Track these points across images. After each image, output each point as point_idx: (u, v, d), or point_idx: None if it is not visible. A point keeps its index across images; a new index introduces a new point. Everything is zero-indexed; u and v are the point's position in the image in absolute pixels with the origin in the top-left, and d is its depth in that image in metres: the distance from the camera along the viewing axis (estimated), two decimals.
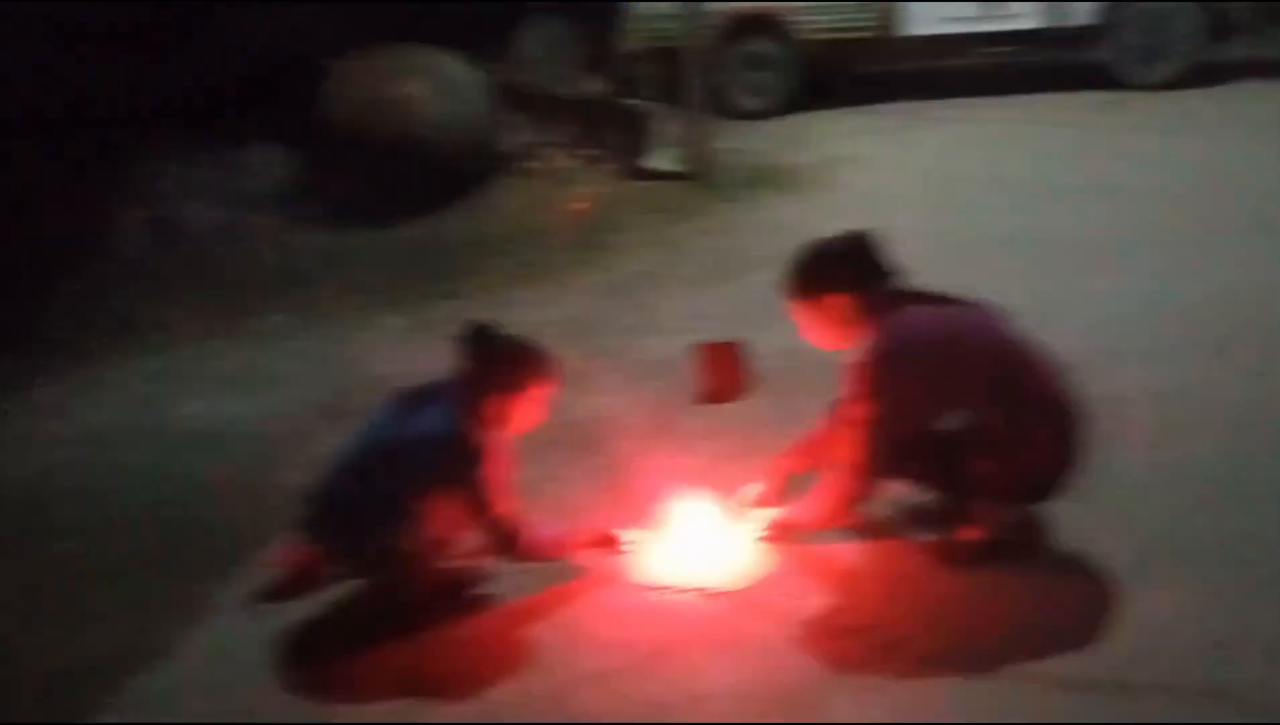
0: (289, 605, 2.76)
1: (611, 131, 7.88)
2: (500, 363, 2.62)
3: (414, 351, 4.73)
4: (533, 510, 2.75)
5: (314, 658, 2.61)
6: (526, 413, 2.66)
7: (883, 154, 7.59)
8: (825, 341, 2.59)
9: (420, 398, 2.63)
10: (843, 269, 2.50)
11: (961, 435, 2.39)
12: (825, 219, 6.22)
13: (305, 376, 4.59)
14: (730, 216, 6.53)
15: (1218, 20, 8.40)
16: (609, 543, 2.83)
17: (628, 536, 2.85)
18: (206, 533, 3.29)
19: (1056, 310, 4.26)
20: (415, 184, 6.86)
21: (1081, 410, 2.44)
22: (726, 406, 3.83)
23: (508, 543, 2.61)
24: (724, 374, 3.86)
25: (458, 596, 2.72)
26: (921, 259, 4.92)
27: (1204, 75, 8.48)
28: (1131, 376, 3.63)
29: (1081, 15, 8.74)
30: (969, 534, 2.51)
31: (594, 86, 8.14)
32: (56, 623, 2.88)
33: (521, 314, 5.11)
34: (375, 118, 6.82)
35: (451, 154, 6.96)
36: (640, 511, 3.02)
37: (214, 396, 4.46)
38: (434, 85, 6.97)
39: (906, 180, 6.87)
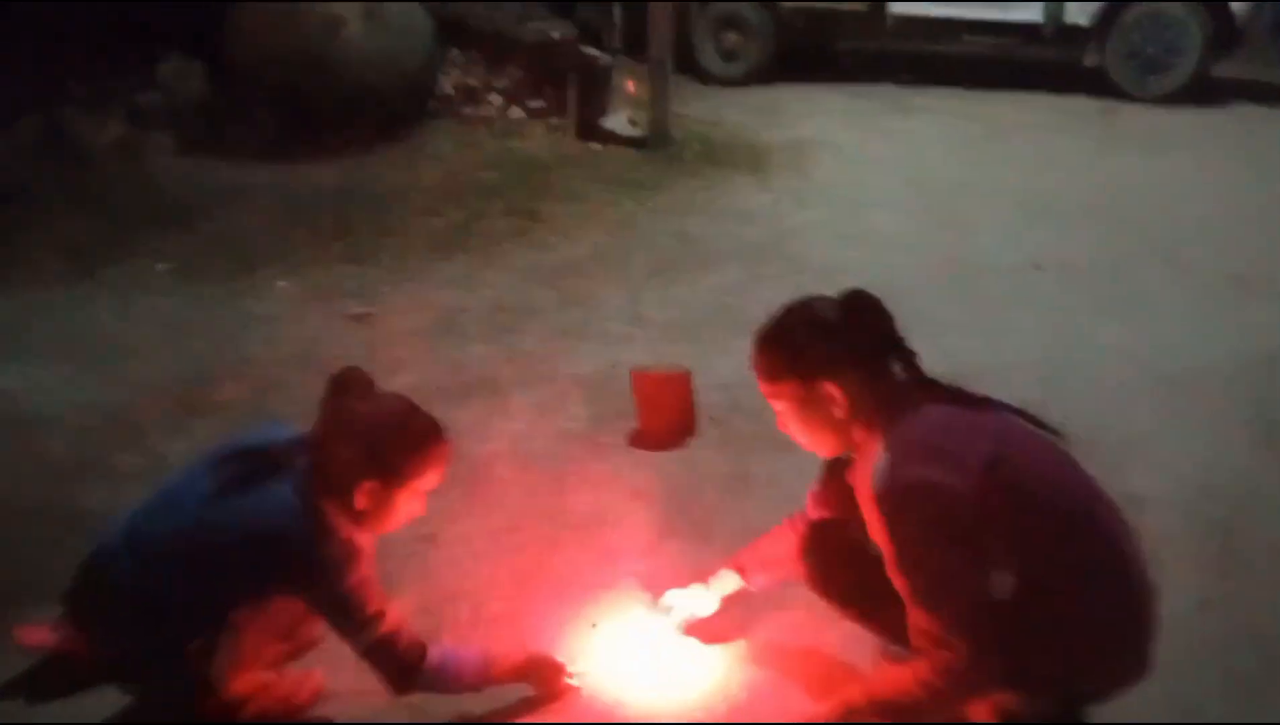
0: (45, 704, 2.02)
1: (568, 83, 7.06)
2: (385, 439, 1.86)
3: (300, 332, 3.98)
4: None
5: None
6: (405, 506, 1.92)
7: (859, 142, 6.91)
8: (812, 440, 1.88)
9: (258, 463, 1.86)
10: (841, 345, 1.79)
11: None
12: (794, 211, 5.61)
13: (159, 351, 3.78)
14: (690, 196, 5.80)
15: (1222, 28, 7.82)
16: (550, 670, 2.11)
17: (573, 661, 2.15)
18: None
19: (1058, 369, 3.65)
20: (335, 120, 6.00)
21: (1150, 575, 1.77)
22: (668, 452, 3.12)
23: (406, 671, 1.88)
24: (665, 412, 3.15)
25: None
26: (896, 275, 4.55)
27: (1202, 91, 7.93)
28: (1155, 467, 3.00)
29: (1079, 14, 8.11)
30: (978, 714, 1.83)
31: (555, 30, 7.29)
32: None
33: (437, 293, 4.41)
34: (295, 41, 5.92)
35: (380, 90, 6.10)
36: (559, 608, 2.35)
37: (34, 364, 3.63)
38: (366, 10, 6.06)
39: (882, 176, 6.19)
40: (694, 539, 2.65)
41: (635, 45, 7.35)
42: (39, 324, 3.97)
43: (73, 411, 3.26)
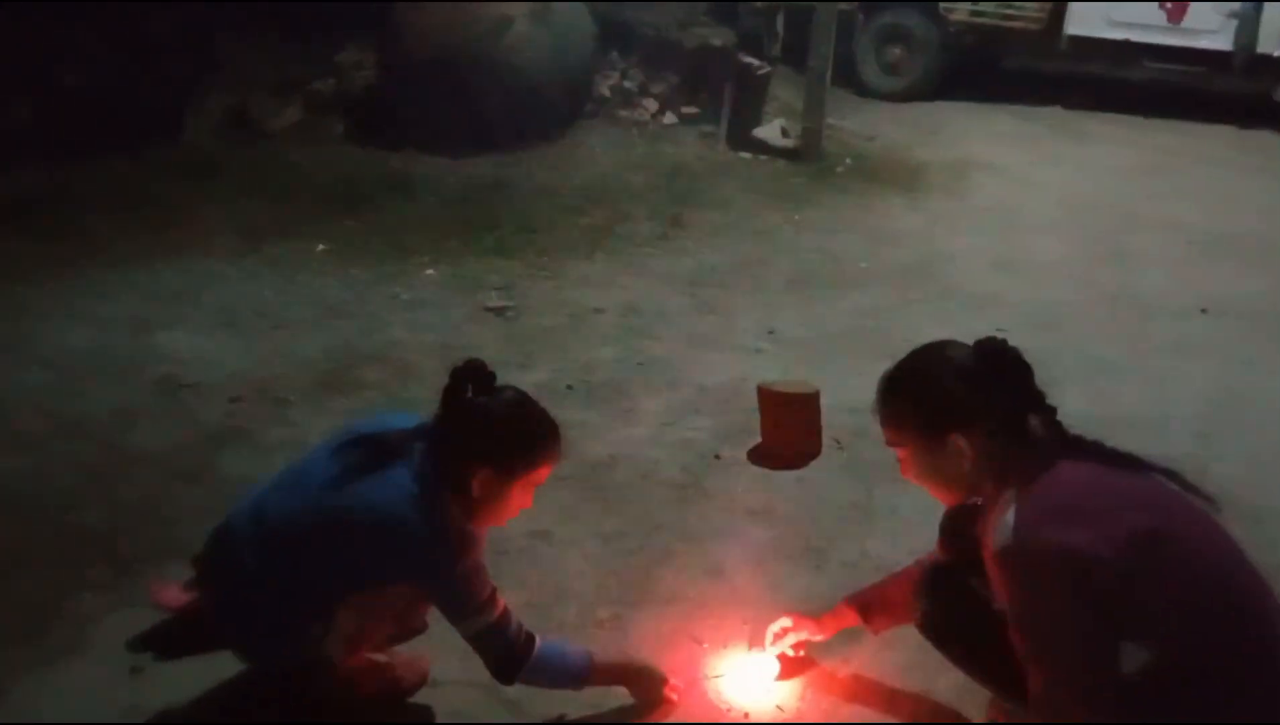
0: (171, 662, 2.14)
1: (724, 90, 7.05)
2: (501, 431, 1.89)
3: (442, 320, 4.10)
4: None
5: None
6: (517, 498, 1.95)
7: (1021, 165, 6.66)
8: (935, 489, 1.80)
9: (378, 450, 1.90)
10: (974, 399, 1.69)
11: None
12: (946, 234, 5.44)
13: (310, 328, 3.96)
14: (838, 212, 5.71)
15: None
16: (651, 679, 2.11)
17: (674, 674, 2.14)
18: (115, 512, 2.69)
19: (1218, 425, 3.40)
20: (496, 116, 6.15)
21: None
22: (788, 471, 3.07)
23: (513, 659, 1.91)
24: (789, 431, 3.10)
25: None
26: (1051, 309, 4.36)
27: None
28: None
29: (1272, 44, 7.58)
30: None
31: (716, 37, 7.28)
32: None
33: (574, 292, 4.47)
34: (464, 38, 6.10)
35: (542, 90, 6.22)
36: (665, 620, 2.35)
37: (198, 331, 3.86)
38: (533, 10, 6.20)
39: (1044, 202, 5.94)
40: (806, 565, 2.60)
41: (796, 54, 7.28)
42: (207, 293, 4.22)
43: (227, 379, 3.45)
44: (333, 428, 2.33)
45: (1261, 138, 7.49)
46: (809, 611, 2.22)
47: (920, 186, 6.17)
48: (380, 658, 2.09)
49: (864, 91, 8.68)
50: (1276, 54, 7.56)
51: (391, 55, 6.50)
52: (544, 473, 1.94)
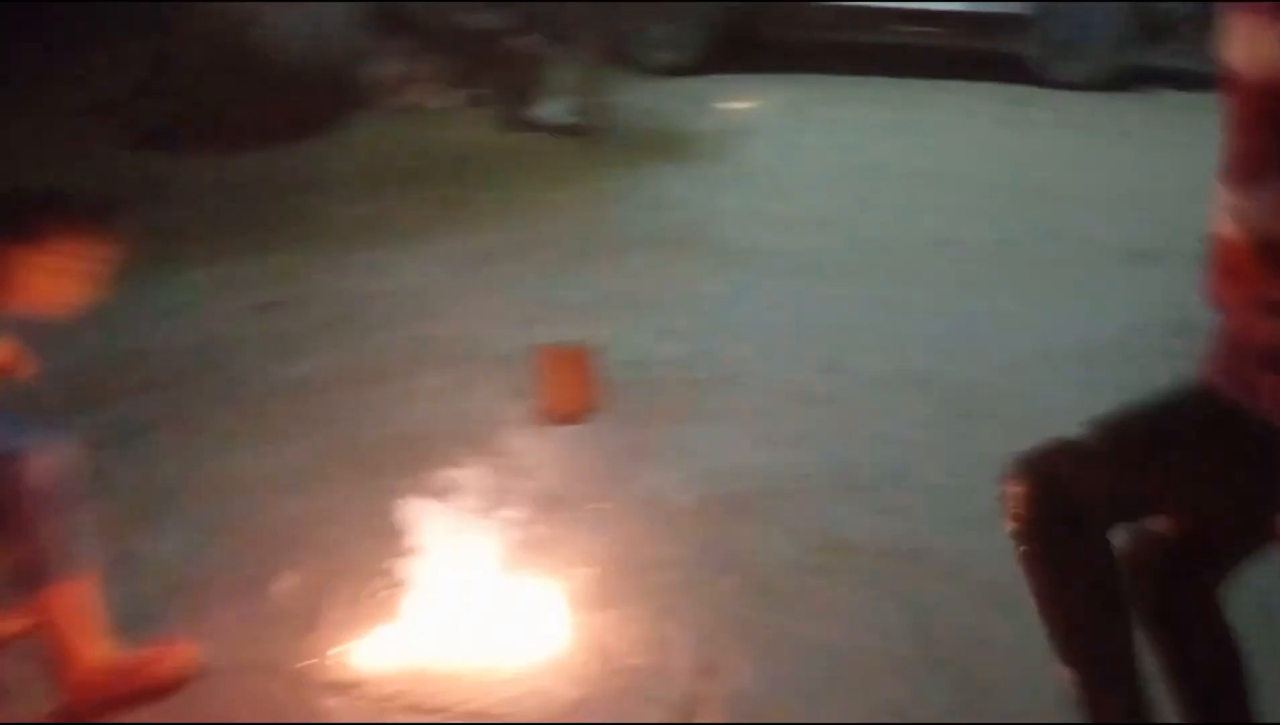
0: None
1: (499, 72, 7.06)
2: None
3: (200, 320, 3.96)
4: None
5: None
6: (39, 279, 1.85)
7: (786, 129, 6.99)
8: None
9: None
10: None
11: None
12: (713, 194, 5.67)
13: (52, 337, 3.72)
14: (613, 185, 5.83)
15: (1147, 21, 8.00)
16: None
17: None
18: None
19: (957, 342, 3.73)
20: (258, 111, 5.94)
21: None
22: (567, 426, 3.14)
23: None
24: (568, 388, 3.18)
25: None
26: (807, 254, 4.62)
27: (1123, 80, 8.11)
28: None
29: (1010, 4, 8.26)
30: None
31: (487, 19, 7.27)
32: None
33: (355, 280, 4.39)
34: (214, 23, 5.86)
35: (301, 78, 6.05)
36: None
37: None
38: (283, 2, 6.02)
39: (804, 161, 6.28)
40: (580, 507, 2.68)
41: (570, 35, 7.36)
42: None
43: None
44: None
45: (1000, 90, 8.13)
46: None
47: (690, 155, 6.37)
48: (115, 657, 1.98)
49: (638, 68, 8.86)
50: (1004, 11, 8.24)
51: (154, 55, 6.17)
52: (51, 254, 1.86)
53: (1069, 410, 3.11)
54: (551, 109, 6.97)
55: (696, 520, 2.66)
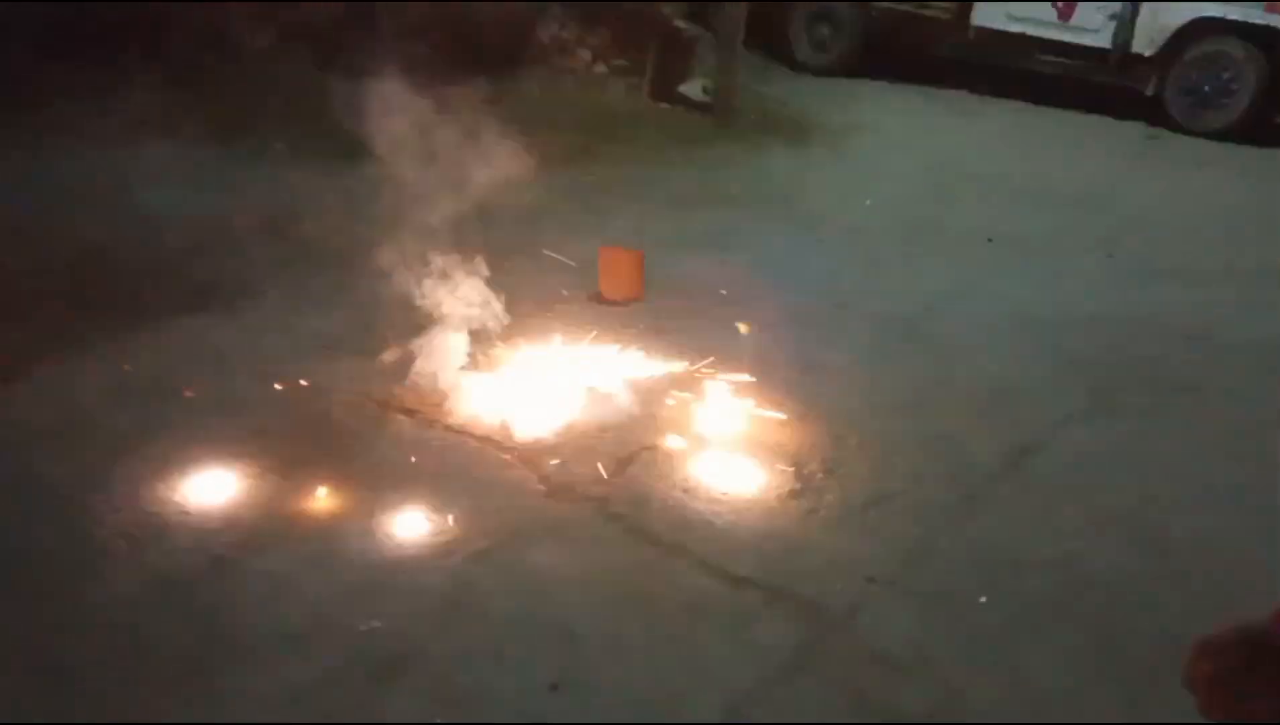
0: None
1: (657, 49, 8.01)
2: None
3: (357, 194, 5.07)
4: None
5: None
6: None
7: (903, 130, 7.68)
8: None
9: None
10: None
11: None
12: (809, 173, 6.43)
13: (262, 195, 4.92)
14: (728, 154, 6.70)
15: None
16: None
17: None
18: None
19: (946, 305, 4.46)
20: (449, 61, 7.08)
21: None
22: (617, 306, 4.08)
23: None
24: (620, 280, 4.11)
25: None
26: (867, 227, 5.32)
27: (1257, 130, 8.35)
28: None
29: (1143, 45, 8.60)
30: None
31: (674, 7, 8.26)
32: None
33: (488, 192, 5.42)
34: None
35: (489, 31, 7.15)
36: None
37: (187, 189, 4.81)
38: None
39: (906, 159, 6.97)
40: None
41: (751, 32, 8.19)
42: (185, 168, 5.18)
43: (189, 219, 4.41)
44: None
45: (1129, 128, 8.51)
46: None
47: (807, 141, 7.16)
48: None
49: (795, 66, 9.67)
50: (1146, 54, 8.58)
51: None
52: None
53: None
54: (696, 87, 7.87)
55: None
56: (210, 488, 2.74)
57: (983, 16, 9.23)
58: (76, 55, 6.37)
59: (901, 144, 7.34)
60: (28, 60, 6.24)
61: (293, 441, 2.98)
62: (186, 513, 2.65)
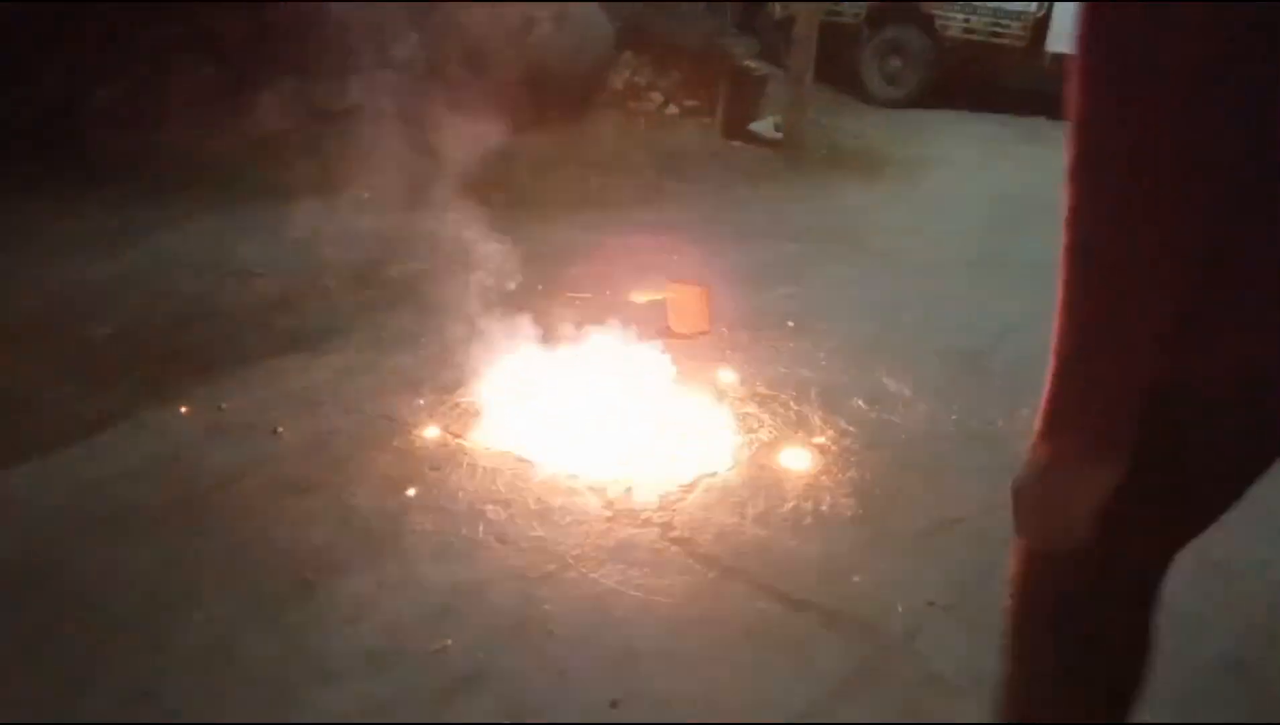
0: None
1: (728, 89, 8.17)
2: None
3: (454, 243, 5.29)
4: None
5: None
6: None
7: (977, 162, 7.66)
8: None
9: None
10: None
11: None
12: (878, 208, 6.47)
13: (350, 246, 5.19)
14: (798, 189, 6.80)
15: None
16: None
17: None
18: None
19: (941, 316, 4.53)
20: (525, 101, 7.35)
21: None
22: (684, 341, 4.20)
23: None
24: (687, 315, 4.23)
25: None
26: (924, 262, 5.31)
27: None
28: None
29: None
30: None
31: (739, 47, 8.43)
32: None
33: (566, 233, 5.62)
34: (496, 34, 7.33)
35: (562, 80, 7.41)
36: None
37: (270, 243, 5.10)
38: (557, 12, 7.42)
39: (975, 190, 6.95)
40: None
41: (820, 66, 8.29)
42: (281, 226, 5.48)
43: (284, 275, 4.68)
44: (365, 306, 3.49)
45: None
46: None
47: (878, 174, 7.22)
48: None
49: (867, 99, 9.74)
50: None
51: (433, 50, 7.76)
52: None
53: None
54: (764, 124, 8.00)
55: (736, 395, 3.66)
56: (298, 516, 2.92)
57: (1057, 42, 9.17)
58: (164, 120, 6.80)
59: (973, 175, 7.34)
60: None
61: (374, 470, 3.16)
62: (274, 538, 2.83)
